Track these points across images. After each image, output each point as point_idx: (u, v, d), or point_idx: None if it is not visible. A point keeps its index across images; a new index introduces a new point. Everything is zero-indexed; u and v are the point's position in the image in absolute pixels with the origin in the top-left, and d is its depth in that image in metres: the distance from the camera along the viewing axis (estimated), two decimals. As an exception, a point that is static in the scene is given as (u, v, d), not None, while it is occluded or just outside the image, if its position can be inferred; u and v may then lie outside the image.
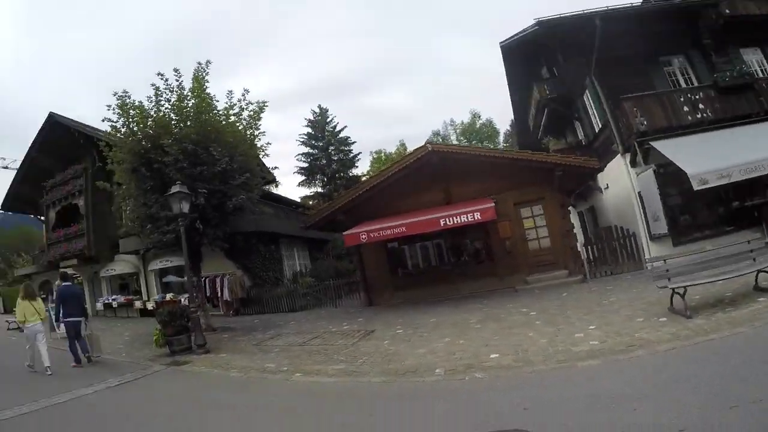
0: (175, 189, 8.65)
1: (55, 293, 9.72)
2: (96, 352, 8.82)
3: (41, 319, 8.01)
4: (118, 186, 11.74)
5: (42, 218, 25.21)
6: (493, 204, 10.03)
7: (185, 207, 8.73)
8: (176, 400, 5.85)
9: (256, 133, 11.54)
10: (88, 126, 19.61)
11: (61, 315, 8.62)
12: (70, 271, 22.45)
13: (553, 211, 11.70)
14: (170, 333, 8.67)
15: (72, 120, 20.64)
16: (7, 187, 25.25)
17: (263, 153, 12.04)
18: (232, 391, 5.92)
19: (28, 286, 8.79)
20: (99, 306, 19.84)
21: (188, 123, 10.43)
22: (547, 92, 15.59)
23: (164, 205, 10.03)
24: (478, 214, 9.65)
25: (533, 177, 11.15)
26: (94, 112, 36.93)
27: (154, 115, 10.56)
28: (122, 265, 18.96)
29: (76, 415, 5.31)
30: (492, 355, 5.34)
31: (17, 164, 25.88)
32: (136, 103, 10.57)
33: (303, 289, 14.66)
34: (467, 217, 9.70)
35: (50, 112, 20.90)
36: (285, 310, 14.08)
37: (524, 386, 4.12)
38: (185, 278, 17.02)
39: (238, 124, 11.21)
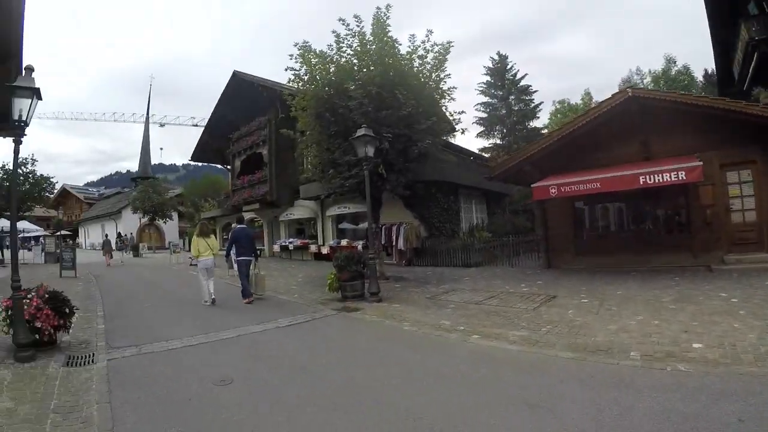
0: (360, 132, 9.24)
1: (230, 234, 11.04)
2: (259, 291, 10.37)
3: (213, 254, 9.81)
4: (301, 134, 13.23)
5: (228, 167, 31.10)
6: (700, 163, 9.50)
7: (370, 151, 9.30)
8: (347, 349, 6.04)
9: (442, 75, 11.98)
10: (269, 80, 23.10)
11: (233, 253, 10.05)
12: (251, 215, 26.86)
13: (764, 180, 10.56)
14: (345, 278, 9.37)
15: (254, 76, 24.50)
16: (196, 141, 31.67)
17: (449, 97, 12.42)
18: (405, 347, 5.97)
19: (203, 224, 10.60)
20: (276, 248, 24.27)
21: (371, 68, 11.08)
22: (757, 31, 13.68)
23: (347, 150, 10.97)
24: (683, 173, 9.29)
25: (743, 136, 10.20)
26: (274, 69, 43.53)
27: (336, 61, 11.51)
28: (301, 210, 22.21)
29: (244, 352, 5.82)
30: (694, 345, 5.13)
31: (205, 122, 33.39)
32: (318, 52, 11.58)
33: (480, 243, 15.49)
34: (670, 176, 9.41)
35: (234, 70, 25.15)
36: (458, 264, 14.93)
37: (736, 390, 3.80)
38: (358, 225, 19.15)
39: (422, 67, 11.68)
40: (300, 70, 11.75)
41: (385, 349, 5.99)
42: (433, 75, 11.90)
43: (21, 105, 5.50)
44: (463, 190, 18.31)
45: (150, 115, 61.74)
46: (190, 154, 32.68)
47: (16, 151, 5.82)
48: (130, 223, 43.20)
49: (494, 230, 17.65)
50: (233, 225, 12.11)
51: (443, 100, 12.44)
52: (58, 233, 45.57)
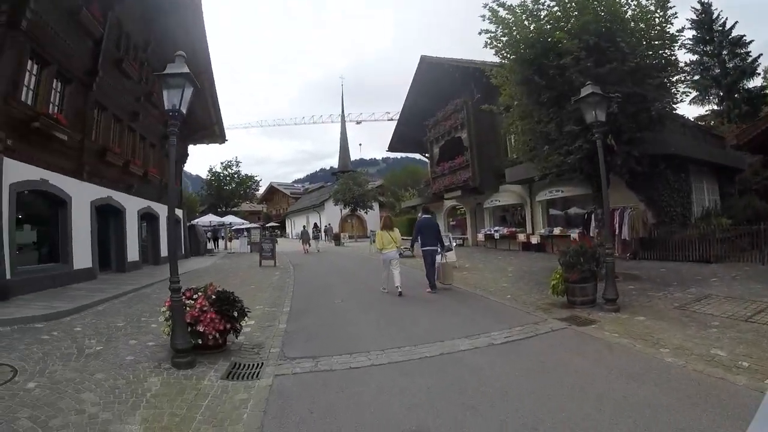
0: (587, 90, 8.29)
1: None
2: (447, 281, 11.44)
3: (397, 247, 10.84)
4: (506, 110, 13.17)
5: (426, 155, 33.85)
6: None
7: (601, 114, 8.31)
8: (592, 395, 4.37)
9: (667, 14, 10.46)
10: (460, 59, 24.23)
11: (419, 244, 11.25)
12: (452, 202, 28.97)
13: None
14: (574, 279, 8.43)
15: (443, 58, 26.09)
16: (392, 133, 35.34)
17: (678, 43, 10.93)
18: (678, 398, 4.20)
19: (387, 218, 11.66)
20: (480, 237, 25.58)
21: (576, 15, 10.16)
22: None
23: (564, 120, 10.40)
24: None
25: None
26: (465, 48, 45.25)
27: (536, 13, 10.79)
28: (507, 195, 22.98)
29: (448, 386, 4.84)
30: None
31: (398, 115, 35.14)
32: (511, 5, 10.82)
33: (720, 233, 13.87)
34: None
35: (421, 55, 27.21)
36: (694, 258, 13.64)
37: None
38: (570, 211, 19.06)
39: (640, 5, 10.49)
40: (496, 30, 11.16)
41: (652, 401, 4.17)
42: (658, 12, 10.45)
43: (173, 93, 5.95)
44: (693, 165, 16.84)
45: (346, 114, 71.11)
46: (388, 146, 36.46)
47: (172, 143, 6.41)
48: (332, 214, 49.92)
49: (733, 215, 15.75)
50: (419, 215, 13.08)
51: (674, 46, 10.89)
52: (267, 225, 55.26)
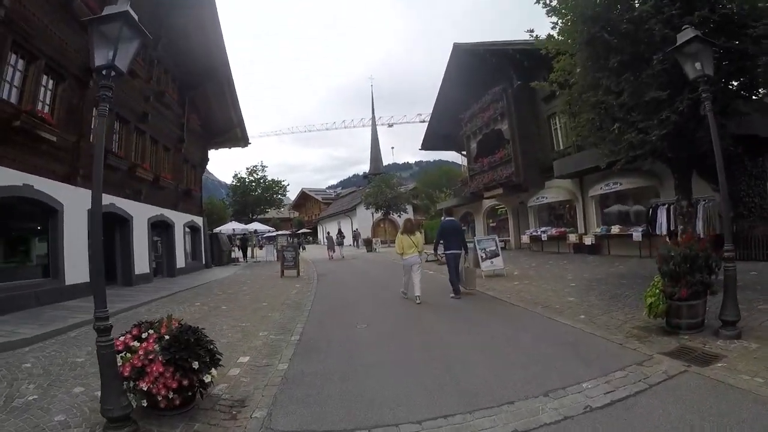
0: (686, 36, 6.37)
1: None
2: (470, 286, 11.19)
3: (419, 251, 10.58)
4: (560, 86, 11.54)
5: (462, 153, 32.62)
6: None
7: (708, 66, 6.39)
8: None
9: None
10: (497, 42, 22.31)
11: (442, 247, 10.97)
12: (492, 202, 27.25)
13: None
14: (683, 295, 6.21)
15: (479, 43, 24.12)
16: (425, 131, 34.10)
17: None
18: None
19: (408, 221, 11.42)
20: (525, 239, 23.41)
21: None
22: None
23: (641, 88, 8.66)
24: None
25: None
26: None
27: None
28: (554, 192, 21.11)
29: None
30: None
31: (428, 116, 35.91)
32: None
33: None
34: None
35: (454, 43, 25.39)
36: None
37: None
38: (630, 207, 17.18)
39: None
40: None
41: None
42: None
43: (104, 43, 4.02)
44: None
45: (377, 117, 70.71)
46: (420, 145, 35.02)
47: (102, 113, 4.36)
48: (364, 219, 49.14)
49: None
50: (442, 218, 12.53)
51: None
52: (298, 232, 54.17)
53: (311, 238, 70.11)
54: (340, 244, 33.17)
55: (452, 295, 10.59)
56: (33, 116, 10.92)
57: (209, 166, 29.24)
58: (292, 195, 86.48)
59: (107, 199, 14.63)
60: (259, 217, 47.48)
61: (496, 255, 13.57)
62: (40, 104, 11.84)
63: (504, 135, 23.06)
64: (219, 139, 27.74)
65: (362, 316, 9.33)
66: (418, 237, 10.86)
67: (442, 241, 10.99)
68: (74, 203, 12.72)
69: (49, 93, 12.39)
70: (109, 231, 16.04)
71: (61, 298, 11.67)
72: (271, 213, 62.51)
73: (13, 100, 10.91)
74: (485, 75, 23.99)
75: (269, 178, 47.58)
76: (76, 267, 12.60)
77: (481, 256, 13.51)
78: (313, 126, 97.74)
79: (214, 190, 68.29)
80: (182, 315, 9.52)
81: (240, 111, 26.23)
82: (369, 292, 12.98)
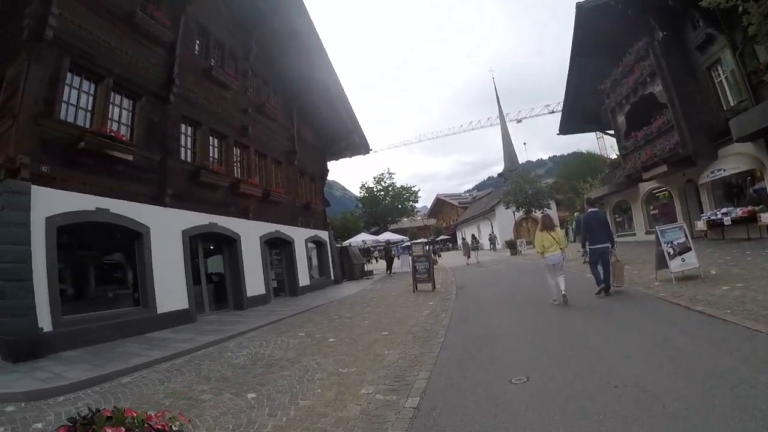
0: None
1: (581, 221, 11.16)
2: (617, 282, 10.22)
3: (561, 248, 9.89)
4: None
5: (606, 132, 29.54)
6: None
7: None
8: None
9: None
10: None
11: (587, 242, 10.24)
12: (651, 184, 23.14)
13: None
14: None
15: None
16: (560, 115, 30.52)
17: None
18: None
19: (545, 217, 10.74)
20: (700, 225, 18.99)
21: None
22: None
23: None
24: None
25: None
26: None
27: None
28: (732, 161, 17.00)
29: None
30: None
31: (560, 105, 30.88)
32: None
33: None
34: None
35: (576, 3, 21.29)
36: None
37: None
38: None
39: None
40: None
41: None
42: None
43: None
44: None
45: (504, 113, 67.49)
46: (558, 130, 31.66)
47: None
48: (504, 219, 46.23)
49: None
50: (585, 208, 11.69)
51: None
52: (437, 239, 52.18)
53: (450, 245, 67.87)
54: (476, 248, 31.43)
55: (597, 292, 9.96)
56: (100, 136, 10.33)
57: (341, 180, 28.52)
58: (427, 203, 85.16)
59: (206, 218, 14.16)
60: (392, 227, 46.29)
61: (688, 249, 10.20)
62: (115, 124, 11.46)
63: (658, 99, 19.07)
64: (336, 148, 26.92)
65: (516, 356, 6.28)
66: (559, 233, 10.18)
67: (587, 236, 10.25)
68: (162, 225, 12.15)
69: (124, 112, 11.95)
70: (215, 252, 15.69)
71: (151, 328, 10.99)
72: (407, 222, 61.33)
73: (81, 121, 10.50)
74: (620, 34, 20.58)
75: (398, 185, 46.03)
76: (169, 293, 11.96)
77: (668, 252, 10.11)
78: (440, 132, 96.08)
79: (350, 205, 68.81)
80: (274, 351, 8.47)
81: (354, 117, 25.21)
82: (519, 311, 9.95)
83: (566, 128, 31.48)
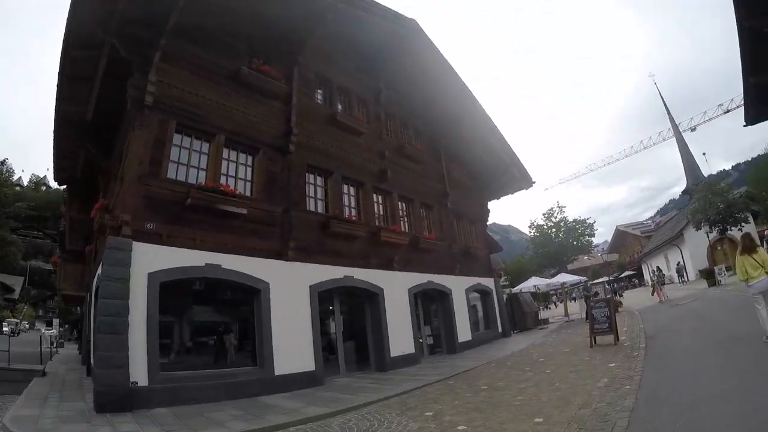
0: None
1: None
2: None
3: (767, 272, 8.45)
4: None
5: None
6: None
7: None
8: None
9: None
10: None
11: None
12: None
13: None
14: None
15: None
16: (742, 102, 26.69)
17: None
18: None
19: (746, 237, 9.32)
20: None
21: None
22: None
23: None
24: None
25: None
26: None
27: None
28: None
29: None
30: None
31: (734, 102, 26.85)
32: None
33: None
34: None
35: None
36: None
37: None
38: None
39: None
40: None
41: None
42: None
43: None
44: None
45: (676, 123, 60.43)
46: (745, 119, 25.74)
47: None
48: (696, 244, 39.07)
49: None
50: None
51: None
52: (621, 276, 46.18)
53: (636, 281, 60.06)
54: (662, 282, 27.49)
55: None
56: (208, 191, 10.14)
57: (517, 224, 25.99)
58: (607, 237, 78.03)
59: (340, 271, 13.16)
60: (570, 266, 41.69)
61: None
62: (231, 180, 11.30)
63: None
64: (495, 185, 24.28)
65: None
66: (763, 254, 8.81)
67: None
68: (285, 280, 11.43)
69: (241, 167, 11.79)
70: (356, 308, 14.60)
71: (265, 391, 10.10)
72: (586, 261, 55.82)
73: (192, 179, 10.53)
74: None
75: (570, 219, 41.01)
76: (291, 354, 11.06)
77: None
78: (610, 157, 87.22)
79: (524, 249, 64.27)
80: None
81: (510, 149, 22.59)
82: (741, 376, 6.61)
83: (754, 114, 25.03)
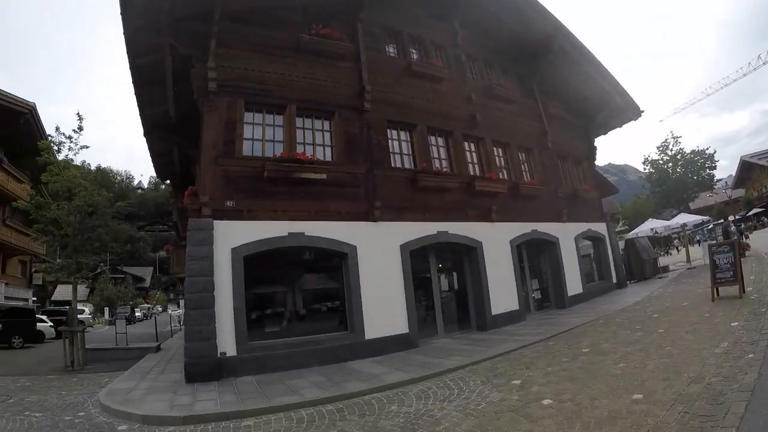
0: None
1: None
2: None
3: None
4: None
5: None
6: None
7: None
8: None
9: None
10: None
11: None
12: None
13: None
14: None
15: None
16: None
17: None
18: None
19: None
20: None
21: None
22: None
23: None
24: None
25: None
26: None
27: None
28: None
29: None
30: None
31: None
32: None
33: None
34: None
35: None
36: None
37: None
38: None
39: None
40: None
41: None
42: None
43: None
44: None
45: None
46: None
47: None
48: None
49: None
50: None
51: None
52: (748, 214, 41.68)
53: (765, 219, 53.59)
54: None
55: None
56: (282, 161, 10.29)
57: (634, 163, 23.54)
58: (732, 171, 70.75)
59: (432, 227, 12.59)
60: (692, 206, 37.96)
61: None
62: (308, 147, 11.25)
63: None
64: (600, 119, 21.84)
65: None
66: None
67: None
68: (372, 241, 11.22)
69: (318, 133, 11.68)
70: (454, 265, 14.05)
71: (356, 356, 10.11)
72: (710, 199, 51.05)
73: (269, 153, 10.66)
74: None
75: (687, 150, 36.92)
76: (382, 317, 10.92)
77: None
78: (727, 78, 76.33)
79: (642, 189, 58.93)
80: (445, 417, 5.71)
81: (610, 75, 20.09)
82: None
83: None
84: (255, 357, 9.14)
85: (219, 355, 8.76)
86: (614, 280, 19.96)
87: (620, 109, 21.11)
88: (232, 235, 9.37)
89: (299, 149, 10.76)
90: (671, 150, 36.82)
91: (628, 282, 20.98)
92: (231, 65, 10.45)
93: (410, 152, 13.09)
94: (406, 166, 12.86)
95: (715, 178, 42.50)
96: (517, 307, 14.06)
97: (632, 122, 22.12)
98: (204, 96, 9.99)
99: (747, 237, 29.52)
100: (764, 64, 65.22)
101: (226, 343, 8.93)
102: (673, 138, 36.86)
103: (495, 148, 15.82)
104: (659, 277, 21.72)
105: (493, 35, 16.86)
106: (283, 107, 10.96)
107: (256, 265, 9.72)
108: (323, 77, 11.75)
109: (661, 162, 37.26)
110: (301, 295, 10.99)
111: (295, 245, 10.19)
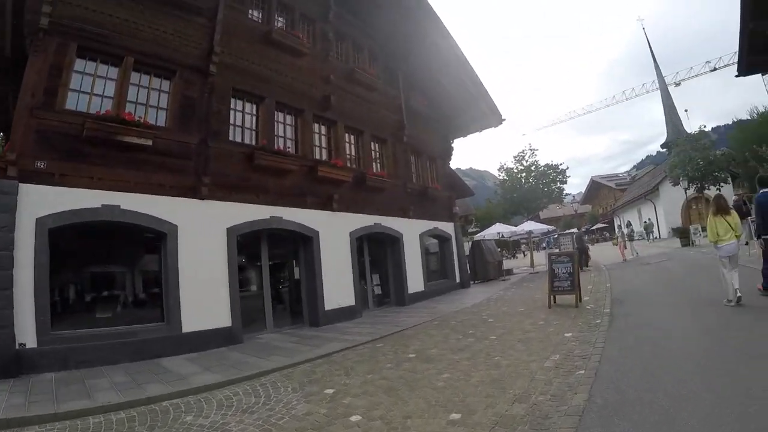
0: None
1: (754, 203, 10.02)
2: None
3: (737, 236, 9.01)
4: None
5: None
6: None
7: None
8: None
9: None
10: None
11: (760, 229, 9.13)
12: None
13: None
14: None
15: None
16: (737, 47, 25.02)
17: None
18: None
19: (719, 198, 9.60)
20: None
21: None
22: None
23: None
24: None
25: None
26: None
27: None
28: None
29: None
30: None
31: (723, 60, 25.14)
32: None
33: None
34: None
35: None
36: None
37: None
38: None
39: None
40: None
41: None
42: None
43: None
44: None
45: (662, 75, 59.84)
46: (737, 70, 24.24)
47: None
48: (671, 201, 39.85)
49: None
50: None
51: None
52: (591, 228, 45.80)
53: (607, 234, 60.25)
54: (631, 239, 27.70)
55: (758, 286, 9.23)
56: (105, 120, 9.18)
57: (492, 169, 24.40)
58: (583, 188, 78.16)
59: (267, 211, 12.37)
60: (542, 215, 40.84)
61: None
62: (140, 108, 10.25)
63: None
64: (461, 121, 22.80)
65: None
66: (735, 217, 9.20)
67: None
68: (195, 222, 10.55)
69: (154, 93, 10.71)
70: (287, 255, 13.88)
71: (173, 351, 9.36)
72: (558, 210, 55.30)
73: (95, 109, 9.40)
74: None
75: (541, 163, 39.60)
76: (199, 308, 10.17)
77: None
78: (591, 106, 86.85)
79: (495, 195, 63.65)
80: None
81: (478, 80, 21.14)
82: (722, 360, 5.81)
83: (747, 64, 23.50)
84: (58, 350, 8.17)
85: (18, 347, 7.70)
86: (458, 280, 21.27)
87: (483, 114, 22.39)
88: (39, 203, 8.35)
89: (130, 109, 9.95)
90: (527, 160, 39.28)
91: (471, 282, 22.58)
92: (72, 1, 9.28)
93: (254, 127, 12.82)
94: (247, 141, 12.54)
95: (564, 192, 46.49)
96: (353, 303, 14.54)
97: (492, 129, 23.54)
98: (34, 33, 8.85)
99: (589, 248, 32.42)
100: (626, 99, 73.96)
101: (26, 332, 7.86)
102: (530, 150, 39.49)
103: (347, 134, 16.17)
104: (503, 280, 23.82)
105: (367, 19, 17.13)
106: (120, 58, 10.02)
107: (65, 241, 8.79)
108: (171, 30, 10.91)
109: (515, 171, 39.62)
110: (116, 279, 10.15)
111: (109, 219, 9.26)
